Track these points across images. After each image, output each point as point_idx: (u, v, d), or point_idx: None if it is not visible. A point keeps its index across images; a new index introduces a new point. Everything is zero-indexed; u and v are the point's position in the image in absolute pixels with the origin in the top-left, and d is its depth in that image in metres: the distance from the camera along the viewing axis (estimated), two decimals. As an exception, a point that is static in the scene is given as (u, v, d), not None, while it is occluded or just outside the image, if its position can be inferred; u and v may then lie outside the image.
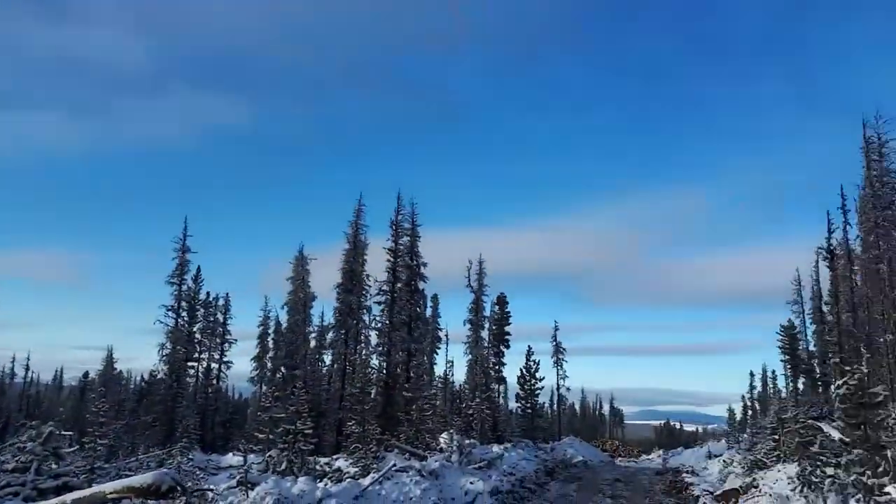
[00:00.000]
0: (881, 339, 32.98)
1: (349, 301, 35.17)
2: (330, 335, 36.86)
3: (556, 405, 58.38)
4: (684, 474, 27.86)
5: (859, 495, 12.71)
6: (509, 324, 43.04)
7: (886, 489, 11.86)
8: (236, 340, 43.95)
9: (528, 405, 38.31)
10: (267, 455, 17.58)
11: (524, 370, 39.43)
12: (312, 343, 38.36)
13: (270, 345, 44.03)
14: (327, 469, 19.61)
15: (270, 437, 18.41)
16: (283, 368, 37.80)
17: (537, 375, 39.39)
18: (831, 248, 39.80)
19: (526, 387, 39.05)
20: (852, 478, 13.01)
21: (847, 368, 16.27)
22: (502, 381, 42.86)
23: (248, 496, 12.98)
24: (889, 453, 12.79)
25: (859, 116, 34.15)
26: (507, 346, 43.08)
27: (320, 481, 17.96)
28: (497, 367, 41.99)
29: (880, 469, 12.50)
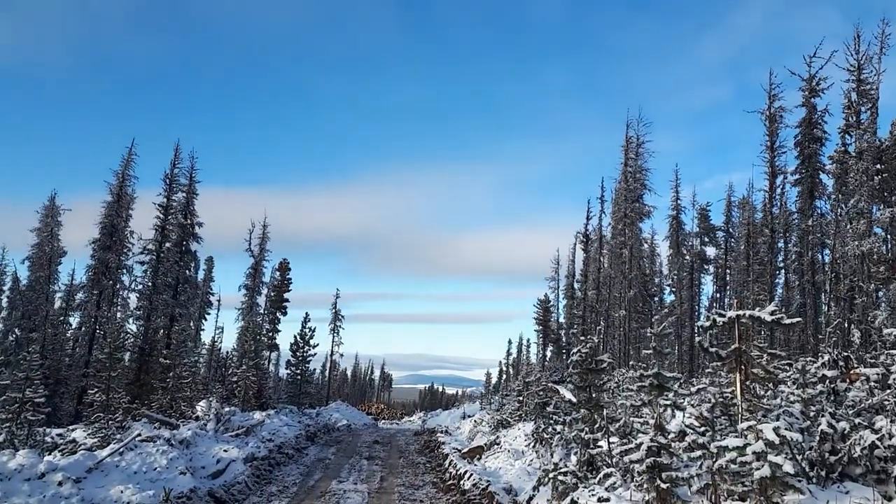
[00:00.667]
0: (617, 314, 37.67)
1: (106, 259, 32.04)
2: (80, 296, 33.32)
3: (328, 371, 58.78)
4: (439, 434, 29.48)
5: (578, 448, 14.35)
6: (289, 290, 42.22)
7: (599, 443, 13.50)
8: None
9: (299, 372, 37.99)
10: (-20, 427, 15.47)
11: (298, 337, 38.96)
12: (58, 303, 34.40)
13: (4, 303, 38.64)
14: (60, 441, 17.76)
15: (-11, 407, 16.22)
16: (17, 330, 33.42)
17: (311, 342, 39.14)
18: (587, 232, 44.47)
19: (298, 354, 38.62)
20: (574, 433, 14.66)
21: (583, 338, 18.30)
22: (275, 348, 41.99)
23: (-54, 474, 11.29)
24: (605, 412, 14.59)
25: (624, 116, 38.36)
26: (285, 313, 42.24)
27: (49, 454, 16.23)
28: (271, 334, 41.04)
29: (597, 426, 14.20)
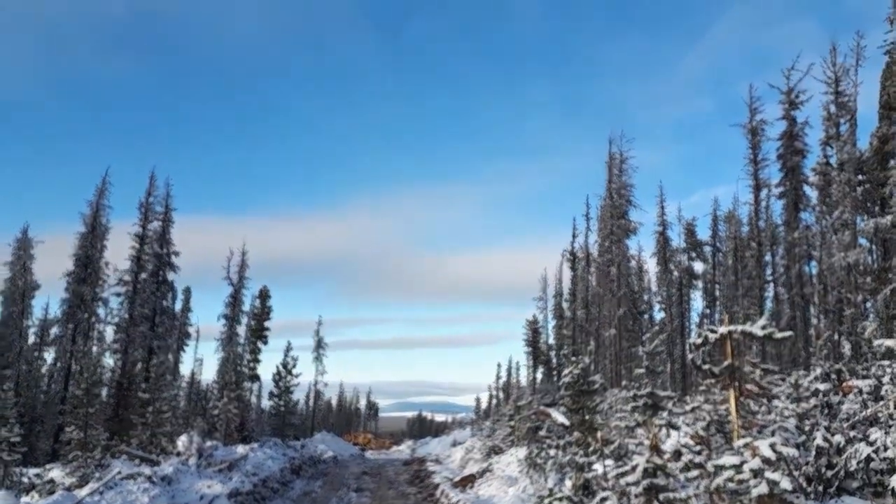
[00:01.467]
0: (606, 333, 37.42)
1: (81, 292, 31.37)
2: (54, 330, 32.54)
3: (311, 401, 57.83)
4: (429, 463, 28.99)
5: (573, 472, 13.99)
6: (269, 318, 41.55)
7: (594, 466, 13.16)
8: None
9: (282, 402, 37.26)
10: (-50, 470, 14.90)
11: (280, 367, 38.31)
12: (32, 339, 33.52)
13: (-24, 339, 37.76)
14: (37, 481, 17.19)
15: (-41, 448, 15.65)
16: (-9, 368, 32.57)
17: (294, 372, 38.49)
18: (574, 251, 44.42)
19: (281, 384, 37.95)
20: (568, 458, 14.31)
21: (574, 359, 18.02)
22: (256, 378, 41.22)
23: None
24: (599, 434, 14.27)
25: (608, 132, 38.58)
26: (266, 342, 41.52)
27: (26, 495, 15.67)
28: (252, 365, 40.32)
29: (591, 449, 13.87)
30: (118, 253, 32.12)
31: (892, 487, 8.01)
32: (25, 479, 17.35)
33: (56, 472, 18.51)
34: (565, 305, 48.73)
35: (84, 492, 14.59)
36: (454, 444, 38.69)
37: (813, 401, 10.64)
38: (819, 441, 9.19)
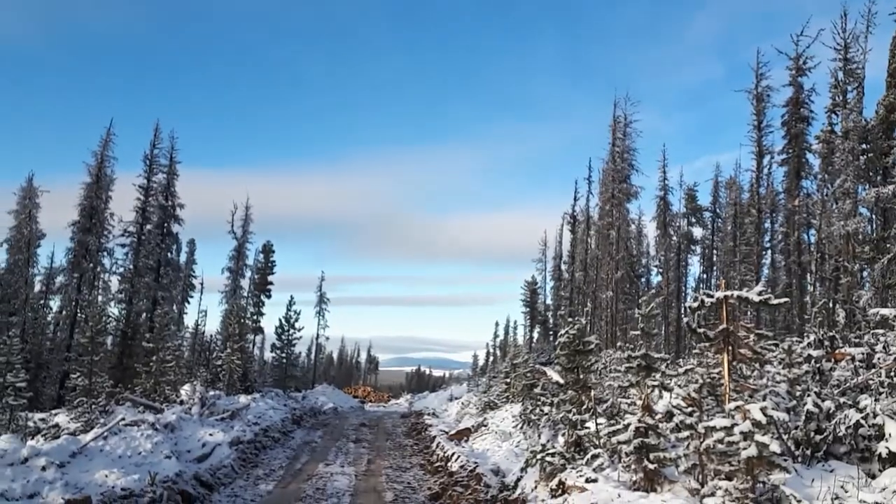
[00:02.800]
0: (604, 296, 37.75)
1: (86, 241, 31.59)
2: (60, 279, 32.88)
3: (313, 354, 58.66)
4: (426, 416, 29.51)
5: (566, 429, 14.34)
6: (273, 273, 42.00)
7: (587, 424, 13.50)
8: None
9: (284, 355, 37.84)
10: (-41, 413, 15.23)
11: (283, 320, 38.81)
12: (37, 287, 33.88)
13: (-18, 287, 38.11)
14: (42, 426, 17.58)
15: (-32, 392, 15.98)
16: (-4, 314, 32.95)
17: (297, 325, 39.00)
18: (575, 213, 44.51)
19: (283, 337, 38.49)
20: (561, 415, 14.64)
21: (570, 319, 18.26)
22: (259, 331, 41.85)
23: (-76, 461, 11.08)
24: (593, 393, 14.58)
25: (613, 95, 38.13)
26: (269, 296, 42.07)
27: (32, 439, 16.02)
28: (255, 317, 40.84)
29: (584, 407, 14.19)
30: (123, 204, 32.31)
31: (879, 453, 8.28)
32: (31, 424, 17.72)
33: (61, 418, 18.92)
34: (564, 267, 49.03)
35: (89, 437, 14.92)
36: (451, 399, 39.32)
37: (805, 367, 10.87)
38: (809, 406, 9.43)
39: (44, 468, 12.26)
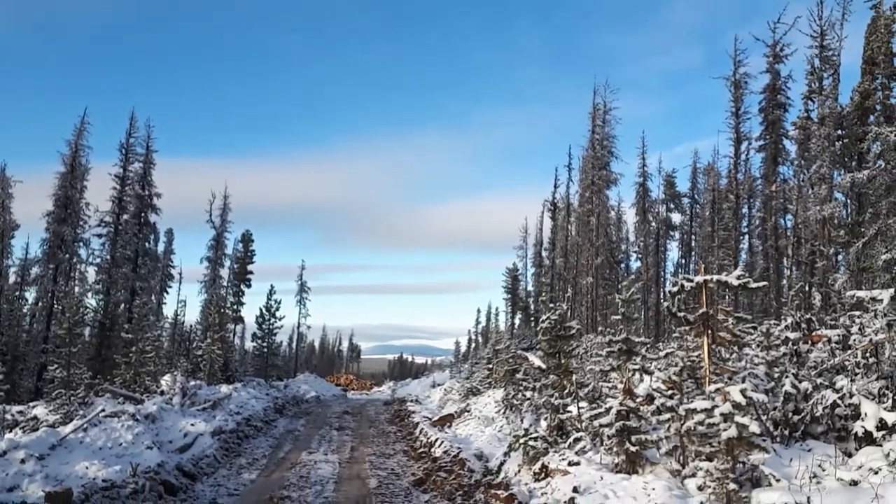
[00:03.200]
0: (584, 282, 38.01)
1: (61, 232, 31.13)
2: (35, 270, 32.38)
3: (295, 343, 58.50)
4: (409, 403, 29.58)
5: (548, 414, 14.47)
6: (252, 262, 41.74)
7: (569, 408, 13.63)
8: None
9: (265, 344, 37.66)
10: (-65, 407, 15.01)
11: (263, 309, 38.56)
12: (12, 278, 33.35)
13: (-44, 279, 37.48)
14: (21, 419, 17.37)
15: (-57, 385, 15.73)
16: (-30, 307, 32.42)
17: (277, 315, 38.79)
18: (555, 200, 44.70)
19: (264, 326, 38.27)
20: (543, 399, 14.76)
21: (551, 305, 18.37)
22: (240, 320, 41.61)
23: None
24: (574, 377, 14.71)
25: (593, 81, 38.19)
26: (249, 286, 41.84)
27: (10, 432, 15.84)
28: (235, 307, 40.59)
29: (566, 391, 14.32)
30: (99, 194, 31.85)
31: (855, 432, 8.46)
32: (9, 417, 17.51)
33: (40, 410, 18.70)
34: (545, 254, 49.27)
35: (68, 429, 14.76)
36: (433, 385, 39.45)
37: (783, 349, 11.04)
38: (787, 387, 9.60)
39: (23, 461, 12.13)
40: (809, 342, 11.85)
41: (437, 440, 16.95)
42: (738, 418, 7.47)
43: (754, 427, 7.47)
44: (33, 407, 19.31)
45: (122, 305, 29.42)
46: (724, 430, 7.54)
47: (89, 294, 30.32)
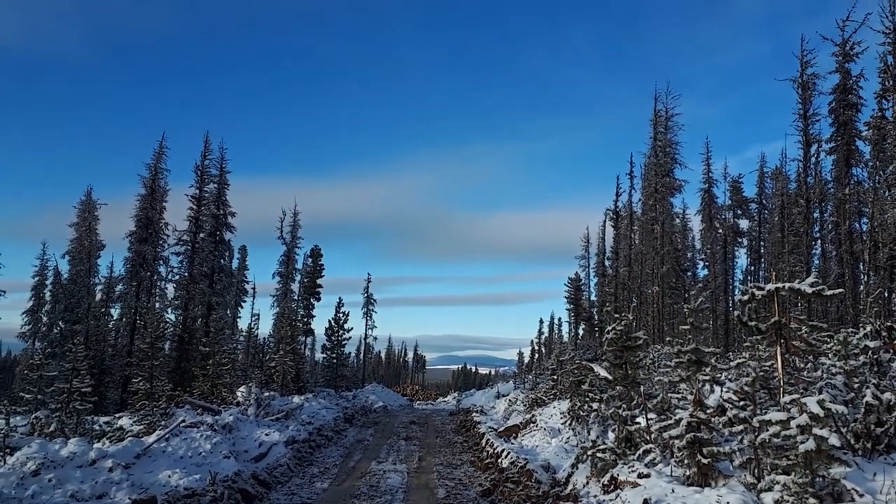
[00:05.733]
0: (649, 291, 37.38)
1: (143, 251, 32.72)
2: (119, 287, 34.13)
3: (362, 354, 59.42)
4: (474, 414, 29.65)
5: (616, 425, 14.35)
6: (322, 276, 42.76)
7: (637, 419, 13.50)
8: (4, 292, 38.93)
9: (334, 355, 38.51)
10: (33, 417, 15.97)
11: (332, 321, 39.47)
12: (98, 296, 35.27)
13: (48, 297, 39.74)
14: (107, 429, 18.26)
15: (39, 397, 16.72)
16: (61, 323, 34.37)
17: (345, 326, 39.64)
18: (617, 209, 44.15)
19: (333, 338, 39.15)
20: (611, 411, 14.65)
21: (616, 315, 18.21)
22: (310, 333, 42.65)
23: (4, 462, 11.70)
24: (642, 388, 14.55)
25: (653, 83, 37.86)
26: (318, 299, 42.88)
27: (98, 441, 16.68)
28: (306, 320, 41.63)
29: (634, 402, 14.18)
30: (177, 214, 33.53)
31: (941, 444, 8.13)
32: (97, 427, 18.43)
33: (125, 420, 19.64)
34: (608, 263, 48.64)
35: (151, 438, 15.50)
36: (498, 396, 39.40)
37: (862, 358, 10.68)
38: (868, 398, 9.28)
39: (111, 469, 12.81)
40: (891, 351, 11.43)
41: (503, 451, 16.99)
42: (816, 430, 7.30)
43: (833, 440, 7.28)
44: (119, 418, 20.29)
45: (200, 320, 30.65)
46: (802, 442, 7.37)
47: (169, 309, 31.75)
